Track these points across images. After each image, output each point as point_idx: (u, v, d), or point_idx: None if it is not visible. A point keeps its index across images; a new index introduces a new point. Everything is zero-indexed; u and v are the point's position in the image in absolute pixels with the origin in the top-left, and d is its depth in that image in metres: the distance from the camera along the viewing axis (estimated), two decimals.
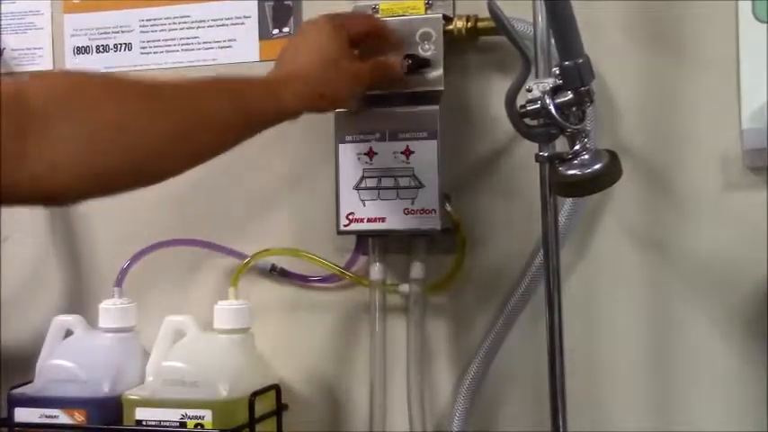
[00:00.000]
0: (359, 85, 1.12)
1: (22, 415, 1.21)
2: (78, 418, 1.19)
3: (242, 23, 1.30)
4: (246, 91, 1.03)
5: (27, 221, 1.38)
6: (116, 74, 0.98)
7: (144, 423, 1.16)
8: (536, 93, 0.98)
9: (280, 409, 1.23)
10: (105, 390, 1.20)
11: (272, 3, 1.29)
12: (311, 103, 1.07)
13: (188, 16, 1.32)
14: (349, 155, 1.18)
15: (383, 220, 1.18)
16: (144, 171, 0.93)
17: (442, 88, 1.16)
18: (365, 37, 1.13)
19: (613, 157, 1.00)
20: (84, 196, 0.92)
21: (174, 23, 1.32)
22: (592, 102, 0.99)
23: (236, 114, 1.00)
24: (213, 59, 1.30)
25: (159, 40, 1.33)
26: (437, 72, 1.16)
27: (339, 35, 1.09)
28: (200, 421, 1.14)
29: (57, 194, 0.90)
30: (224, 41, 1.30)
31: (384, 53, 1.15)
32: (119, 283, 1.27)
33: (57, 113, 0.87)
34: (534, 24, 1.07)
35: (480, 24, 1.17)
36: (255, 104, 1.03)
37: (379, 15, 1.19)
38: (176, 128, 0.94)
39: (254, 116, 1.02)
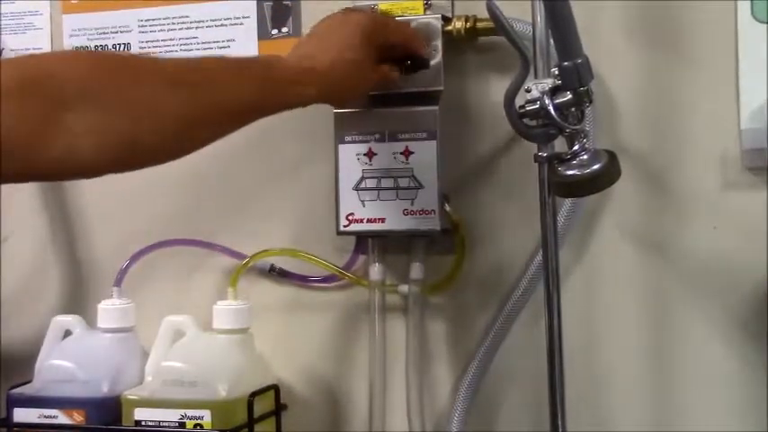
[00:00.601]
0: (373, 87, 1.12)
1: (21, 415, 1.21)
2: (77, 418, 1.19)
3: (241, 24, 1.30)
4: (270, 81, 1.03)
5: (27, 221, 1.38)
6: (143, 56, 0.98)
7: (143, 423, 1.16)
8: (535, 93, 0.98)
9: (279, 410, 1.23)
10: (104, 390, 1.20)
11: (270, 3, 1.28)
12: (328, 96, 1.09)
13: (187, 16, 1.31)
14: (349, 155, 1.18)
15: (383, 220, 1.18)
16: (160, 151, 0.95)
17: (441, 88, 1.16)
18: (394, 46, 1.13)
19: (612, 157, 1.00)
20: (101, 174, 0.92)
21: (173, 24, 1.32)
22: (591, 102, 0.99)
23: (257, 103, 1.02)
24: None
25: (158, 41, 1.33)
26: (436, 72, 1.16)
27: (370, 38, 1.09)
28: (199, 421, 1.14)
29: (78, 172, 0.92)
30: (223, 41, 1.30)
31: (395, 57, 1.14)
32: (118, 282, 1.27)
33: (85, 95, 0.87)
34: (533, 25, 1.07)
35: (479, 25, 1.16)
36: (277, 94, 1.03)
37: None
38: (199, 114, 0.95)
39: (273, 104, 1.04)
